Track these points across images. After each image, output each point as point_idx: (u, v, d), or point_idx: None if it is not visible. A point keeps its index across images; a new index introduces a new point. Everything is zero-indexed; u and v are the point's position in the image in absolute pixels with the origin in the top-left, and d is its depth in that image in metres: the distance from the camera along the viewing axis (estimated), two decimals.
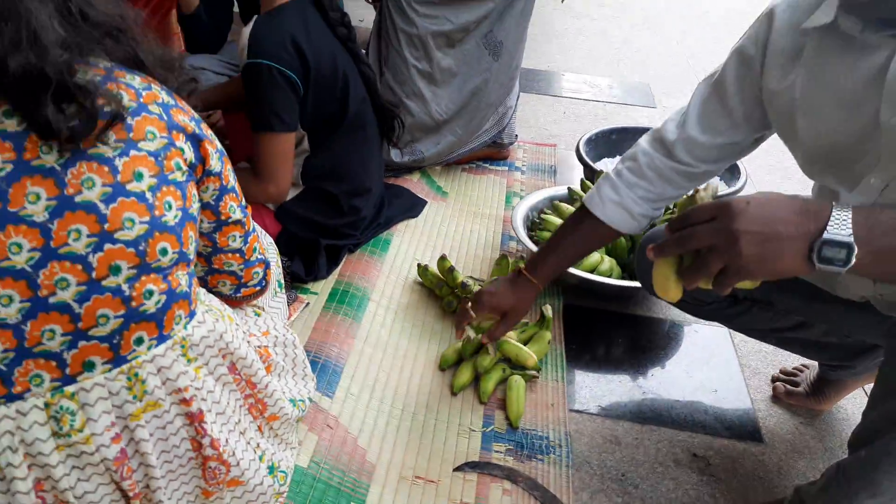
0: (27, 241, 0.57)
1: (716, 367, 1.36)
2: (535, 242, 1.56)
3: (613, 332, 1.45)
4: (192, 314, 0.72)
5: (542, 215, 1.63)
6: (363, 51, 1.65)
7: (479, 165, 2.08)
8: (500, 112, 1.98)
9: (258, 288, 0.89)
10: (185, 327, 0.70)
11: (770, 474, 1.12)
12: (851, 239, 0.60)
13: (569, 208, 1.64)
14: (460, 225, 1.75)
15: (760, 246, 0.62)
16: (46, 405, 0.62)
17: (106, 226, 0.60)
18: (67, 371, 0.62)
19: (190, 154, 0.69)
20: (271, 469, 0.87)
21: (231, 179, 0.77)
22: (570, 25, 3.57)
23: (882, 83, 0.73)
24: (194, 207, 0.71)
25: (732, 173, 1.81)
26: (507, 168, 2.09)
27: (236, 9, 2.03)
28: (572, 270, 1.44)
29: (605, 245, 1.50)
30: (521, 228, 1.58)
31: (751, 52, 0.88)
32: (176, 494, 0.75)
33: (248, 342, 0.85)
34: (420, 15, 1.66)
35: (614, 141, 1.99)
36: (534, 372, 1.28)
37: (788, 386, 1.28)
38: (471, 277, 1.50)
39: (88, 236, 0.59)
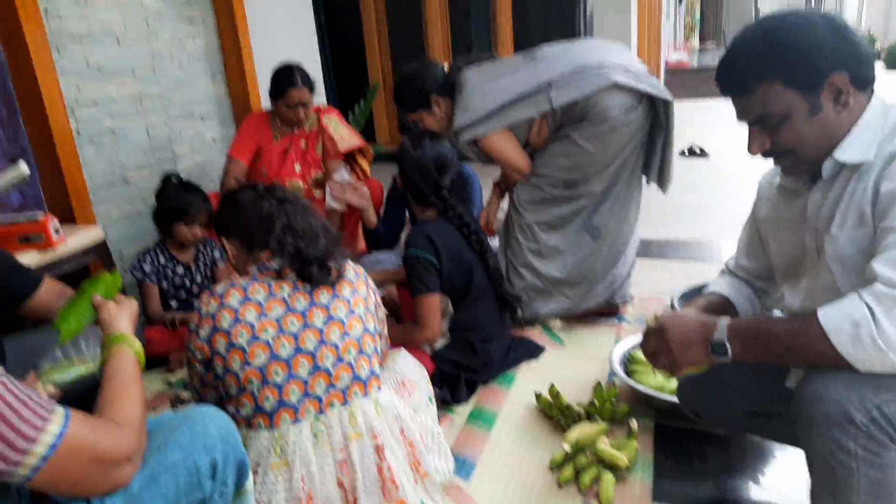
0: (313, 336, 1.22)
1: (785, 471, 1.62)
2: (628, 374, 1.97)
3: (697, 446, 1.75)
4: (380, 388, 1.31)
5: (632, 352, 2.05)
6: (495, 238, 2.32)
7: (593, 319, 2.55)
8: (609, 280, 2.45)
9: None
10: (377, 393, 1.28)
11: None
12: (726, 340, 1.07)
13: None
14: (572, 365, 2.21)
15: (680, 347, 1.14)
16: (310, 427, 1.21)
17: (345, 329, 1.23)
18: (322, 407, 1.22)
19: (374, 300, 1.34)
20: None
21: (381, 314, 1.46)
22: (681, 197, 4.10)
23: (805, 218, 1.18)
24: (377, 325, 1.33)
25: None
26: (616, 320, 2.54)
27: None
28: (662, 396, 1.82)
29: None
30: (616, 363, 2.00)
31: (756, 200, 1.39)
32: (368, 500, 1.27)
33: (412, 420, 1.40)
34: (527, 210, 2.31)
35: None
36: (623, 472, 1.65)
37: None
38: (577, 403, 1.93)
39: (338, 334, 1.23)
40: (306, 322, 1.27)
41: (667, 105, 2.25)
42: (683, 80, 9.80)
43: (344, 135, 2.97)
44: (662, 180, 2.42)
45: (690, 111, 7.82)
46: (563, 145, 2.24)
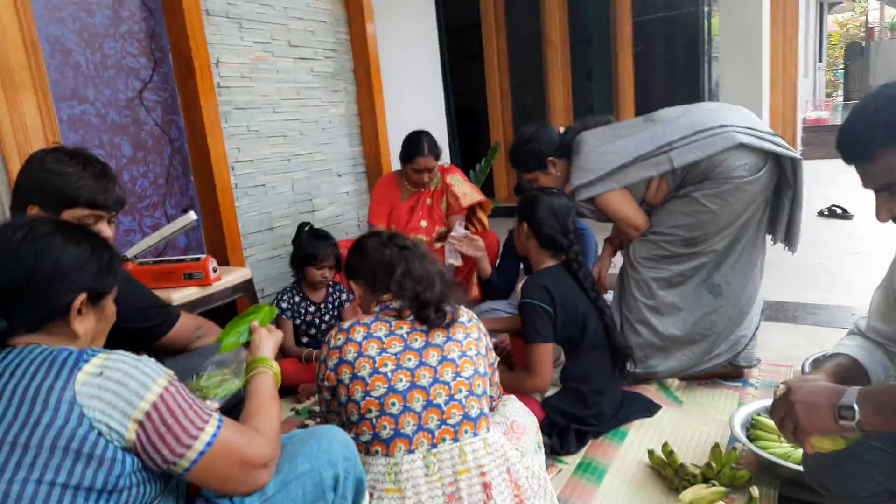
0: (428, 374, 1.31)
1: None
2: (750, 440, 1.87)
3: None
4: (489, 428, 1.37)
5: (754, 417, 1.95)
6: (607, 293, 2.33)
7: (715, 381, 2.44)
8: (733, 340, 2.37)
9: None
10: (486, 433, 1.35)
11: None
12: (855, 404, 1.03)
13: None
14: (689, 426, 2.13)
15: (807, 410, 1.09)
16: (423, 458, 1.30)
17: (458, 370, 1.32)
18: (434, 441, 1.30)
19: (486, 345, 1.41)
20: None
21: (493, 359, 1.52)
22: (817, 259, 3.84)
23: None
24: (488, 369, 1.41)
25: None
26: (741, 384, 2.41)
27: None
28: (788, 465, 1.72)
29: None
30: (737, 427, 1.91)
31: (893, 263, 1.34)
32: None
33: (519, 462, 1.44)
34: (644, 266, 2.31)
35: None
36: None
37: None
38: (692, 464, 1.86)
39: (451, 374, 1.31)
40: (422, 360, 1.38)
41: (794, 163, 2.19)
42: (823, 137, 9.22)
43: (466, 191, 3.16)
44: (790, 240, 2.33)
45: (831, 169, 7.31)
46: (684, 203, 2.23)
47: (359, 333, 1.41)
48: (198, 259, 2.33)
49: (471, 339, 1.44)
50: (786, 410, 1.13)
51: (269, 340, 1.33)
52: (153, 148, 2.77)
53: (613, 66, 6.30)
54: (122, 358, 0.97)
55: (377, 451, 1.33)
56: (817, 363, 2.23)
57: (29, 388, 0.91)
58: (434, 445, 1.31)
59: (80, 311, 1.03)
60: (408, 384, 1.34)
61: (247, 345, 1.36)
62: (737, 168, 2.14)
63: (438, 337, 1.41)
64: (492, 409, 1.58)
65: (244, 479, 1.04)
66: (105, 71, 2.59)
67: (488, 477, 1.32)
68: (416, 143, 3.02)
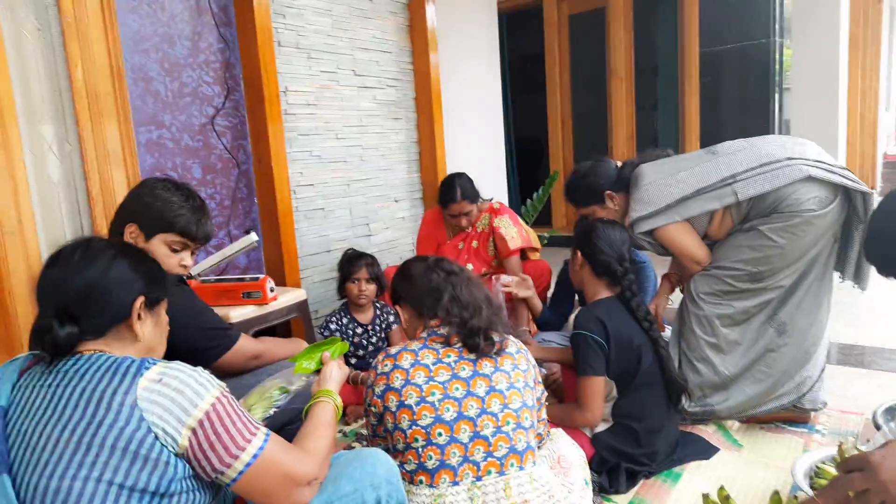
0: (475, 404, 1.31)
1: None
2: (812, 488, 1.76)
3: None
4: (535, 462, 1.34)
5: (819, 465, 1.83)
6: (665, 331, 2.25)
7: (779, 426, 2.32)
8: (798, 381, 2.25)
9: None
10: (532, 467, 1.32)
11: None
12: None
13: None
14: (748, 471, 2.03)
15: None
16: (468, 490, 1.28)
17: (505, 401, 1.31)
18: (479, 474, 1.29)
19: (535, 377, 1.40)
20: None
21: (540, 392, 1.50)
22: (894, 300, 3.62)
23: None
24: (536, 403, 1.38)
25: None
26: (806, 430, 2.29)
27: None
28: None
29: None
30: (800, 475, 1.80)
31: None
32: None
33: (565, 499, 1.41)
34: (706, 302, 2.23)
35: None
36: None
37: None
38: None
39: (498, 405, 1.30)
40: (469, 389, 1.37)
41: (865, 197, 2.10)
42: None
43: (513, 234, 3.12)
44: (860, 277, 2.22)
45: None
46: (750, 237, 2.16)
47: (406, 360, 1.41)
48: (256, 279, 2.41)
49: (518, 371, 1.42)
50: (871, 486, 1.04)
51: (337, 375, 1.39)
52: (221, 171, 2.90)
53: (680, 97, 6.20)
54: (179, 367, 1.02)
55: (421, 481, 1.33)
56: (891, 412, 2.09)
57: (94, 392, 0.97)
58: (479, 478, 1.30)
59: (139, 316, 1.09)
60: (455, 414, 1.34)
61: (317, 373, 1.41)
62: (806, 201, 2.06)
63: (486, 367, 1.40)
64: (539, 447, 1.55)
65: (287, 495, 1.06)
66: (181, 98, 2.74)
67: None
68: (450, 189, 3.01)
